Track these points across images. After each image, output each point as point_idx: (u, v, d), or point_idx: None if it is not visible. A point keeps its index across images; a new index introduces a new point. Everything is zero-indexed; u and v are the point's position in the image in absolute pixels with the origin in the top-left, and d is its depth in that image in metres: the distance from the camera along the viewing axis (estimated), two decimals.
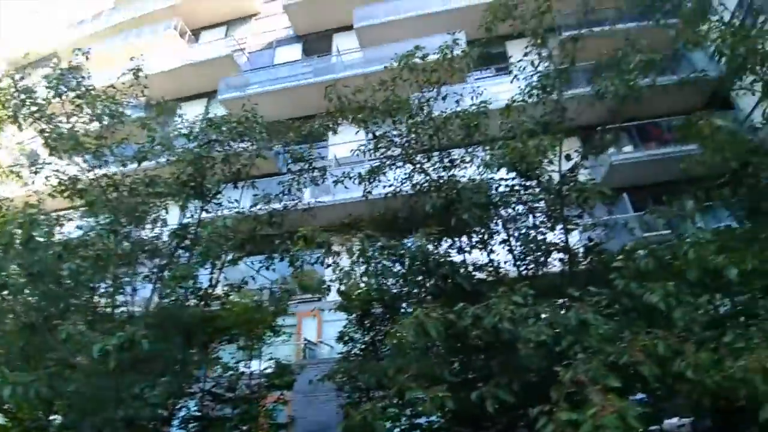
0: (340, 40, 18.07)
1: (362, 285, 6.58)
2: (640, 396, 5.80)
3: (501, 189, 7.18)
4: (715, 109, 9.57)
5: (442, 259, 6.42)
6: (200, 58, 18.26)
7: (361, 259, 5.63)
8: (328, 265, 6.20)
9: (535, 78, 6.62)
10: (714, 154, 5.08)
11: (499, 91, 9.51)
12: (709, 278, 4.94)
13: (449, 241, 7.25)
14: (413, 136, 7.14)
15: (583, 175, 6.96)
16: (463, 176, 7.25)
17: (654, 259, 5.10)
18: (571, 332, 4.63)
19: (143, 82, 7.98)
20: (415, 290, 6.95)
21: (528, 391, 4.89)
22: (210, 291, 7.77)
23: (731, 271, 4.61)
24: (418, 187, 7.36)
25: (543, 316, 4.71)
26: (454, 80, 7.16)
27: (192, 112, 13.07)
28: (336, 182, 7.58)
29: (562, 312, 4.81)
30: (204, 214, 7.77)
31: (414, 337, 4.35)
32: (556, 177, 6.54)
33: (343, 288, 4.99)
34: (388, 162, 7.52)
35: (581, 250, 6.94)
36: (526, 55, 6.71)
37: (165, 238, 7.67)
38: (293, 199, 8.08)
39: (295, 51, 19.16)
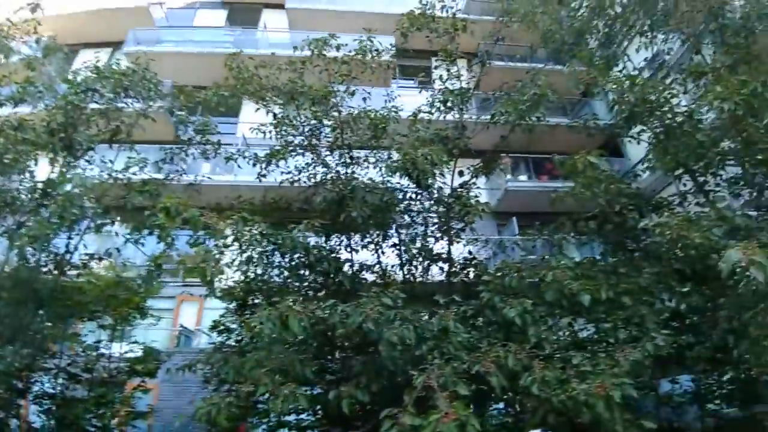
0: (270, 16, 17.33)
1: (236, 272, 6.21)
2: (498, 406, 6.14)
3: (400, 194, 7.24)
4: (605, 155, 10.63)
5: (325, 254, 6.28)
6: (114, 5, 16.50)
7: (237, 244, 5.30)
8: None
9: (440, 93, 6.80)
10: (584, 189, 5.52)
11: (418, 102, 9.70)
12: (567, 301, 5.35)
13: (341, 237, 7.16)
14: (315, 123, 6.94)
15: (482, 196, 7.26)
16: (365, 176, 7.21)
17: (519, 278, 5.40)
18: (432, 338, 4.73)
19: (44, 20, 6.99)
20: (297, 283, 6.75)
21: (386, 393, 4.91)
22: (66, 258, 6.89)
23: (584, 297, 4.99)
24: (316, 179, 7.17)
25: (409, 319, 4.75)
26: (372, 81, 7.09)
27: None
28: (228, 159, 7.13)
29: (426, 318, 4.90)
30: (73, 172, 6.89)
31: (271, 329, 4.14)
32: (449, 190, 6.75)
33: (210, 273, 4.61)
34: (290, 148, 7.23)
35: (461, 262, 7.21)
36: (436, 68, 6.86)
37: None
38: (178, 171, 7.44)
39: (218, 17, 18.02)
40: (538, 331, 5.01)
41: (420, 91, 8.01)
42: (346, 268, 6.75)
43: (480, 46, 7.79)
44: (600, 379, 4.11)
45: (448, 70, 6.68)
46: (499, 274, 5.68)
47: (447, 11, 6.90)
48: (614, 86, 6.44)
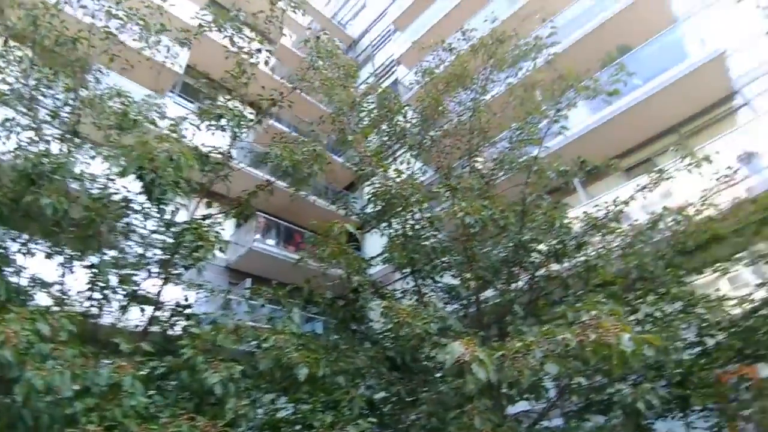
0: None
1: None
2: None
3: (122, 203, 5.67)
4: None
5: None
6: None
7: None
8: None
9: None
10: (329, 256, 5.32)
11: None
12: (281, 374, 4.80)
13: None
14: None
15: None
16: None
17: (236, 337, 4.63)
18: (97, 394, 3.38)
19: None
20: None
21: None
22: None
23: (302, 371, 4.53)
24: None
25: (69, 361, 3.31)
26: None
27: None
28: None
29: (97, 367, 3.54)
30: None
31: None
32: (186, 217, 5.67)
33: None
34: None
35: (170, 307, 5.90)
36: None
37: None
38: None
39: None
40: (237, 406, 4.23)
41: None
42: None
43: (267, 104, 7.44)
44: None
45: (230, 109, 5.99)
46: (213, 331, 4.77)
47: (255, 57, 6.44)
48: (380, 176, 6.73)
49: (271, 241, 13.76)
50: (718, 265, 6.26)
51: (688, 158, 5.75)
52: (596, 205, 6.20)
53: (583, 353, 3.13)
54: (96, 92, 6.15)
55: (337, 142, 7.32)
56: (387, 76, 19.42)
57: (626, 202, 5.95)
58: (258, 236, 13.14)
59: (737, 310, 6.18)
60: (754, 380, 5.75)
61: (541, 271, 6.09)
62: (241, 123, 5.86)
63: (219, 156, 6.00)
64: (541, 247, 5.86)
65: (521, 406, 5.67)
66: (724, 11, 11.75)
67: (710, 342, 5.98)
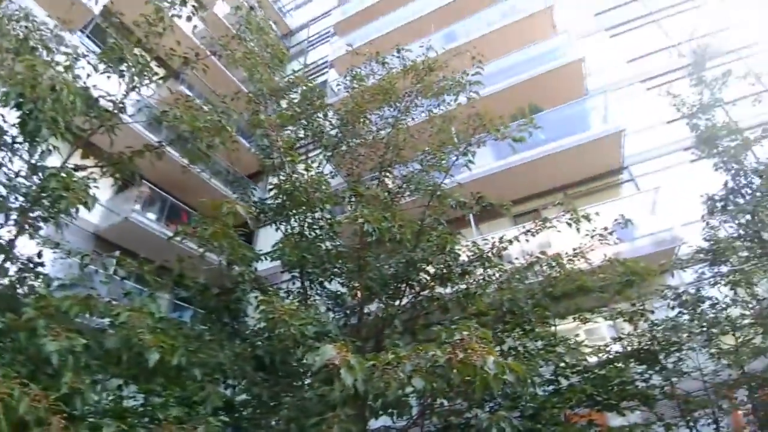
0: None
1: None
2: None
3: None
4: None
5: None
6: None
7: None
8: None
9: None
10: (211, 236, 4.87)
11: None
12: (128, 355, 4.27)
13: None
14: None
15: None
16: None
17: (82, 305, 4.05)
18: None
19: None
20: None
21: None
22: None
23: (152, 355, 4.05)
24: None
25: None
26: None
27: None
28: None
29: None
30: None
31: None
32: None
33: None
34: None
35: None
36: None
37: None
38: None
39: None
40: (73, 381, 3.67)
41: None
42: None
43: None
44: None
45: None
46: (61, 297, 4.15)
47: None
48: (288, 167, 6.46)
49: (152, 215, 12.58)
50: (580, 314, 6.97)
51: (570, 214, 6.35)
52: (484, 239, 6.58)
53: (449, 372, 3.20)
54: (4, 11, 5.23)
55: (249, 123, 6.91)
56: (317, 74, 19.19)
57: (510, 241, 6.40)
58: (138, 207, 11.93)
59: (593, 359, 6.91)
60: (602, 428, 6.40)
61: (425, 292, 6.27)
62: (144, 73, 5.26)
63: (110, 104, 5.32)
64: (430, 268, 6.05)
65: (383, 421, 5.70)
66: (631, 95, 13.61)
67: (564, 382, 6.52)
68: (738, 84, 7.93)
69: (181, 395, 4.70)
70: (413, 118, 7.92)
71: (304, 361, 3.99)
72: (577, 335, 7.00)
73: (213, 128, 5.58)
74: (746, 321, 6.42)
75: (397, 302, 6.35)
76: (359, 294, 6.21)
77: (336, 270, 6.40)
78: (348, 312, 6.61)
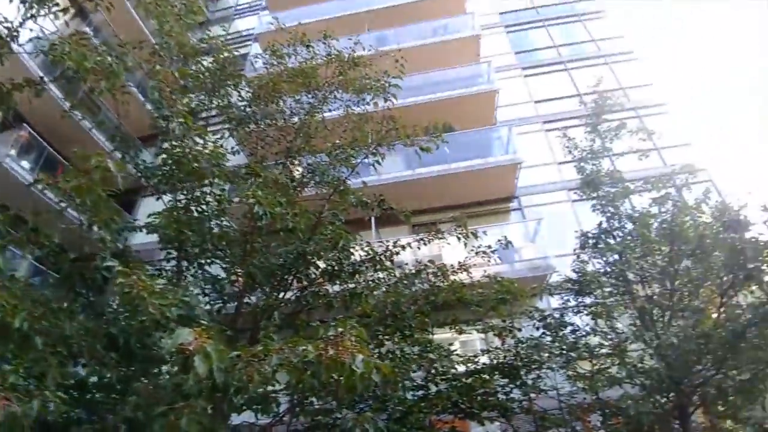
0: None
1: None
2: None
3: None
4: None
5: None
6: None
7: None
8: None
9: None
10: (76, 190, 4.17)
11: None
12: None
13: None
14: None
15: None
16: None
17: None
18: None
19: None
20: None
21: None
22: None
23: None
24: None
25: None
26: None
27: None
28: None
29: None
30: None
31: None
32: None
33: None
34: None
35: None
36: None
37: None
38: None
39: None
40: None
41: None
42: None
43: None
44: None
45: None
46: None
47: None
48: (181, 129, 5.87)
49: (27, 164, 10.85)
50: (457, 324, 7.25)
51: (461, 229, 6.60)
52: (380, 242, 6.61)
53: (318, 368, 3.06)
54: None
55: (148, 73, 6.19)
56: (239, 45, 18.15)
57: (403, 247, 6.48)
58: (13, 152, 10.23)
59: (462, 368, 7.20)
60: None
61: (312, 288, 6.09)
62: (44, 1, 4.45)
63: (5, 30, 4.42)
64: (321, 263, 5.89)
65: (248, 416, 5.39)
66: (533, 133, 14.78)
67: (433, 389, 6.69)
68: (631, 138, 8.83)
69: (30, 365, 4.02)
70: (330, 110, 7.74)
71: (161, 344, 3.58)
72: (450, 344, 7.29)
73: (102, 71, 4.88)
74: (604, 350, 7.11)
75: (281, 294, 6.07)
76: (240, 281, 5.83)
77: (219, 253, 5.95)
78: (226, 299, 6.17)
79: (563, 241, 9.99)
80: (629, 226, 7.59)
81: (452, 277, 6.49)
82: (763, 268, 5.61)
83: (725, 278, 6.33)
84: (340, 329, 3.14)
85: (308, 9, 17.02)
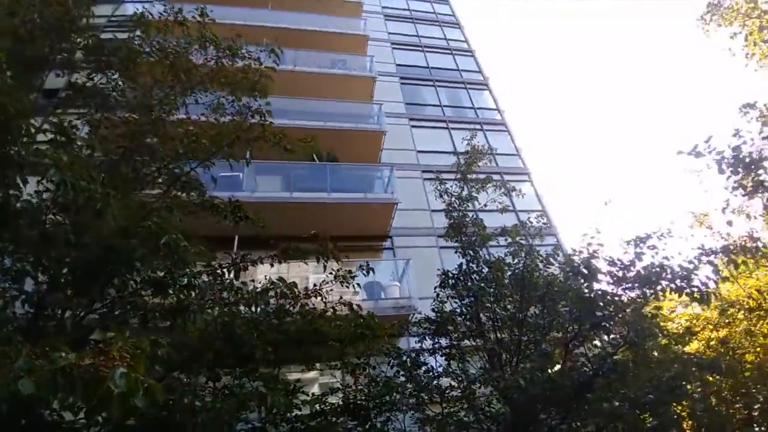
0: None
1: None
2: None
3: None
4: None
5: None
6: None
7: None
8: None
9: None
10: None
11: None
12: None
13: None
14: None
15: None
16: None
17: None
18: None
19: None
20: None
21: None
22: None
23: None
24: None
25: None
26: None
27: None
28: None
29: None
30: None
31: None
32: None
33: None
34: None
35: None
36: None
37: None
38: None
39: None
40: None
41: None
42: None
43: None
44: None
45: None
46: None
47: None
48: None
49: None
50: (311, 362, 6.56)
51: (322, 248, 6.00)
52: (226, 253, 5.72)
53: (72, 379, 2.16)
54: None
55: None
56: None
57: (254, 263, 5.67)
58: None
59: (306, 410, 6.41)
60: None
61: (128, 297, 4.90)
62: None
63: None
64: (145, 269, 4.77)
65: None
66: (413, 180, 15.18)
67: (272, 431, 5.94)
68: (494, 192, 9.35)
69: None
70: (196, 101, 6.80)
71: None
72: (298, 381, 6.47)
73: None
74: (454, 393, 6.91)
75: (84, 300, 4.77)
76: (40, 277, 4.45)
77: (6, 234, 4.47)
78: (24, 297, 4.64)
79: (428, 286, 9.96)
80: (485, 270, 7.76)
81: (304, 301, 5.78)
82: (609, 318, 5.85)
83: (570, 328, 6.60)
84: (110, 334, 2.28)
85: (208, 7, 15.94)
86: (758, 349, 8.21)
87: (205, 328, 4.85)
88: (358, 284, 6.80)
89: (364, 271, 6.21)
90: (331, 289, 6.39)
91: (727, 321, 8.46)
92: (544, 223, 9.43)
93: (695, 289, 5.20)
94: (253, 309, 5.55)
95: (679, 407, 6.46)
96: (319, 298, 5.92)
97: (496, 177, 13.38)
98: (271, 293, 5.41)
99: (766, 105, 5.80)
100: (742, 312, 8.33)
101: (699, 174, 7.45)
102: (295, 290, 5.56)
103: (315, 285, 6.06)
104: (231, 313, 5.07)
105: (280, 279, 5.49)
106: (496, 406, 6.61)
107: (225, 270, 5.35)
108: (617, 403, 6.09)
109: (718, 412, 6.80)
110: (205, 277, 5.47)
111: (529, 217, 8.71)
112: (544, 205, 15.87)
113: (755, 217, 8.34)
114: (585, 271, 5.66)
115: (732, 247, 6.13)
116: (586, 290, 5.88)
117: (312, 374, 8.36)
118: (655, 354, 6.21)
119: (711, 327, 8.79)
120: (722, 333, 8.33)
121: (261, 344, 5.43)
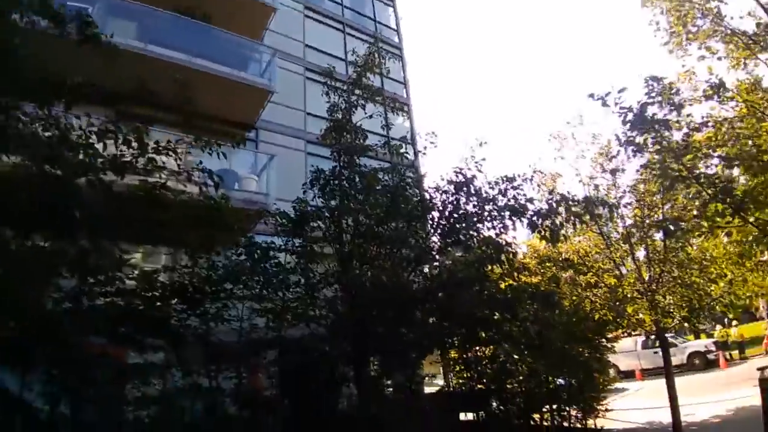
0: None
1: None
2: None
3: None
4: None
5: None
6: None
7: None
8: None
9: None
10: None
11: None
12: None
13: None
14: None
15: None
16: None
17: None
18: None
19: None
20: None
21: None
22: None
23: None
24: None
25: None
26: None
27: None
28: None
29: None
30: None
31: None
32: None
33: None
34: None
35: None
36: None
37: None
38: None
39: None
40: None
41: None
42: None
43: None
44: None
45: None
46: None
47: None
48: None
49: None
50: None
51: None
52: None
53: None
54: None
55: None
56: None
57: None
58: None
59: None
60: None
61: None
62: None
63: None
64: None
65: None
66: (295, 75, 13.88)
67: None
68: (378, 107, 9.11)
69: None
70: None
71: None
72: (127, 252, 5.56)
73: None
74: (299, 289, 6.73)
75: None
76: None
77: None
78: None
79: (289, 188, 9.39)
80: (358, 179, 7.59)
81: (153, 156, 4.73)
82: (471, 233, 6.19)
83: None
84: None
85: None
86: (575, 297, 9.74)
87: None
88: (211, 170, 5.88)
89: (209, 150, 5.29)
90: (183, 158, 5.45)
91: (542, 270, 9.83)
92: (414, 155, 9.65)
93: (548, 229, 5.82)
94: (82, 155, 4.42)
95: (513, 326, 7.36)
96: (172, 158, 4.93)
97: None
98: (110, 136, 4.29)
99: (671, 83, 6.35)
100: (555, 267, 9.69)
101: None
102: (144, 138, 4.47)
103: (169, 141, 4.98)
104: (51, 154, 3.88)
105: (125, 123, 4.37)
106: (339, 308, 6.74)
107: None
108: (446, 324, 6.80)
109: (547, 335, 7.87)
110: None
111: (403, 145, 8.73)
112: (416, 141, 16.18)
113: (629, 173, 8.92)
114: (466, 189, 5.91)
115: (594, 199, 6.93)
116: (456, 212, 6.16)
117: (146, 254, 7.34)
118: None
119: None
120: (535, 279, 9.60)
121: (86, 203, 4.37)
